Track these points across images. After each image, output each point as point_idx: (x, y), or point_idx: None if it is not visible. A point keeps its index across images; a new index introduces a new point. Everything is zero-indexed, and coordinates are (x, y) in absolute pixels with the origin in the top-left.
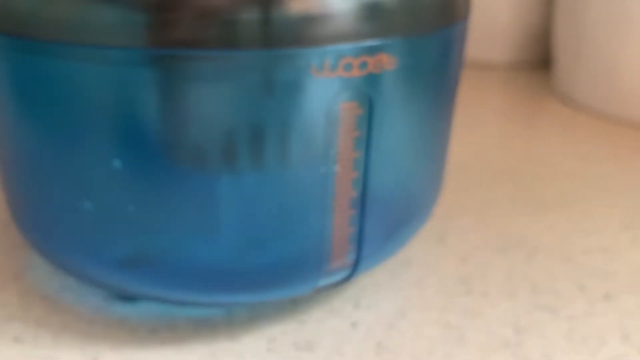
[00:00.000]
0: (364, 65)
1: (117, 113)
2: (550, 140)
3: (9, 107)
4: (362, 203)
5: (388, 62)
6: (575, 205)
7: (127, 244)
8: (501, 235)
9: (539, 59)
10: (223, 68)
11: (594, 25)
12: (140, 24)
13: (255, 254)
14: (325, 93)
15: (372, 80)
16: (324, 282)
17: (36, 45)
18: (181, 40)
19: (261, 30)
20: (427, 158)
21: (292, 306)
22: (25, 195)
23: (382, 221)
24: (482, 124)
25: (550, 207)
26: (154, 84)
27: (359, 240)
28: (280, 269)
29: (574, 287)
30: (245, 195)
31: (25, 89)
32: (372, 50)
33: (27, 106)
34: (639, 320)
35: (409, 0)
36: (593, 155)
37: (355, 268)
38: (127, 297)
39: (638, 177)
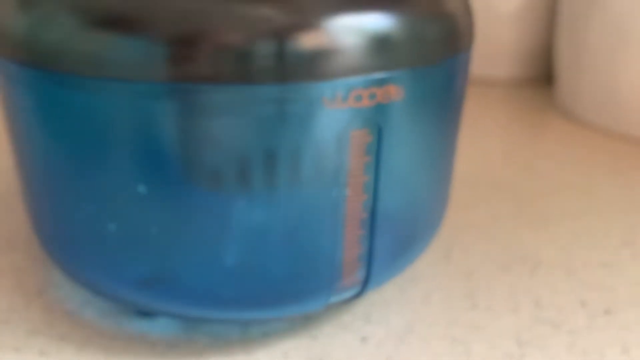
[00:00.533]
0: (373, 96)
1: (140, 142)
2: (552, 156)
3: (37, 135)
4: (371, 223)
5: (395, 93)
6: (577, 220)
7: (147, 263)
8: (505, 251)
9: (542, 76)
10: (239, 101)
11: (595, 43)
12: (160, 60)
13: (270, 272)
14: (336, 122)
15: (380, 110)
16: (335, 298)
17: (63, 78)
18: (199, 75)
19: (275, 65)
20: (433, 180)
21: (304, 322)
22: (50, 217)
23: (390, 240)
24: (485, 139)
25: (552, 222)
26: (173, 115)
27: (369, 259)
28: (293, 287)
29: (575, 301)
30: (260, 217)
31: (52, 119)
32: (380, 82)
33: (55, 134)
34: (639, 335)
35: (414, 34)
36: (595, 170)
37: (365, 285)
38: (147, 313)
39: (639, 193)
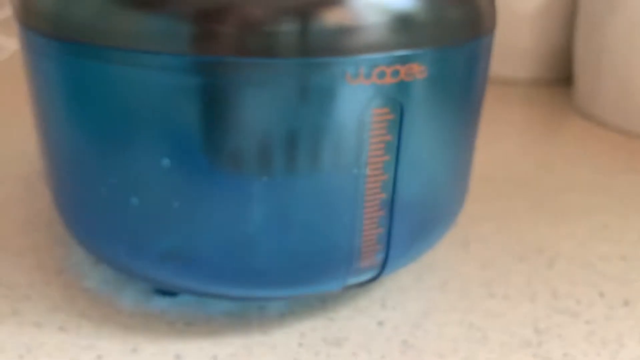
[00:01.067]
0: (396, 73)
1: (165, 115)
2: (570, 154)
3: (63, 108)
4: (391, 205)
5: (419, 71)
6: (594, 215)
7: (168, 239)
8: (522, 243)
9: (561, 77)
10: (263, 75)
11: (613, 45)
12: (188, 34)
13: (289, 251)
14: (359, 99)
15: (403, 88)
16: (353, 280)
17: (93, 50)
18: (225, 49)
19: (300, 40)
20: (453, 165)
21: (321, 305)
22: (73, 193)
23: (409, 223)
24: (505, 137)
25: (569, 217)
26: (199, 88)
27: (388, 241)
28: (311, 266)
29: (593, 292)
30: (281, 195)
31: (80, 92)
32: (404, 60)
33: (82, 107)
34: None
35: (438, 13)
36: (611, 167)
37: (383, 268)
38: (165, 292)
39: None
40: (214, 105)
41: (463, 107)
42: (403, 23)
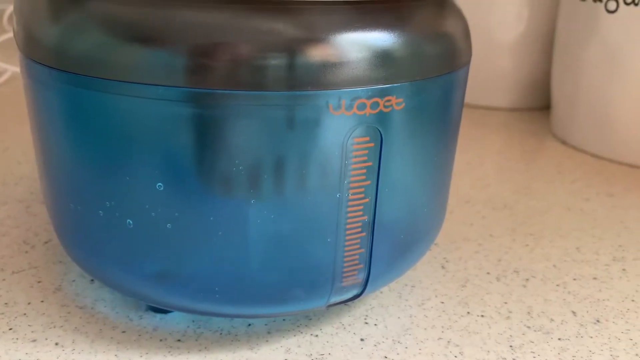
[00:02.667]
0: (375, 105)
1: (160, 142)
2: (547, 178)
3: (63, 134)
4: (372, 226)
5: (396, 103)
6: (568, 237)
7: (162, 259)
8: (499, 264)
9: (540, 105)
10: (252, 106)
11: (589, 75)
12: (181, 68)
13: (275, 270)
14: (341, 129)
15: (382, 118)
16: (336, 298)
17: (93, 81)
18: (216, 82)
19: (286, 75)
20: (431, 188)
21: (306, 321)
22: (71, 214)
23: (390, 244)
24: (485, 161)
25: (544, 239)
26: (192, 118)
27: (369, 261)
28: (297, 285)
29: (566, 311)
30: (268, 217)
31: (80, 119)
32: (382, 93)
33: (81, 134)
34: (626, 343)
35: (415, 50)
36: (586, 191)
37: (365, 286)
38: (158, 309)
39: (627, 213)
40: (206, 134)
41: (439, 134)
42: (382, 59)
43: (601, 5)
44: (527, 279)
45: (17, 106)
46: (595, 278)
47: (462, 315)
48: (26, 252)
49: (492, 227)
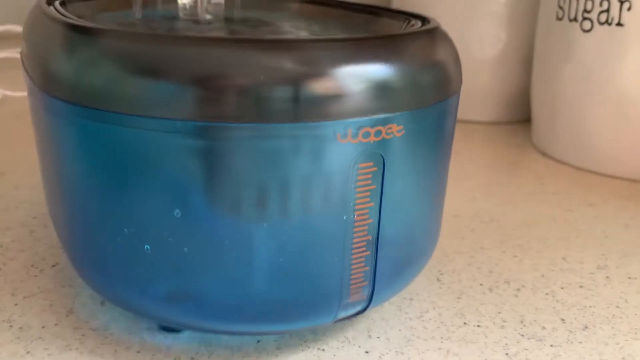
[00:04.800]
0: (378, 132)
1: (173, 172)
2: (531, 190)
3: (79, 165)
4: (376, 245)
5: (397, 130)
6: (554, 248)
7: (176, 281)
8: (490, 275)
9: (521, 118)
10: (259, 138)
11: (566, 90)
12: (189, 101)
13: (284, 290)
14: (347, 156)
15: (384, 144)
16: (343, 313)
17: (107, 115)
18: (222, 115)
19: (295, 107)
20: (428, 205)
21: (313, 336)
22: (86, 240)
23: (392, 260)
24: (471, 175)
25: (532, 250)
26: (202, 148)
27: (373, 277)
28: (305, 303)
29: (556, 318)
30: (278, 240)
31: (97, 151)
32: (385, 122)
33: (98, 165)
34: (613, 347)
35: (412, 81)
36: (569, 202)
37: (369, 301)
38: (170, 328)
39: (607, 222)
40: (217, 163)
41: (435, 156)
42: (383, 91)
43: (577, 25)
44: (518, 289)
45: (8, 130)
46: (581, 286)
47: (459, 326)
48: (35, 275)
49: (481, 239)
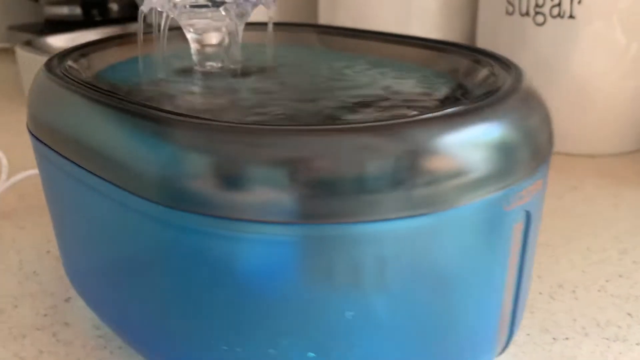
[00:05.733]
0: (529, 193)
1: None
2: None
3: (171, 275)
4: (516, 291)
5: (542, 185)
6: (572, 240)
7: None
8: (541, 280)
9: None
10: (401, 233)
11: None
12: (297, 205)
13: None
14: (509, 220)
15: (532, 201)
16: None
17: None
18: (336, 215)
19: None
20: None
21: None
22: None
23: (523, 302)
24: None
25: (555, 246)
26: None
27: (512, 321)
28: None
29: (623, 315)
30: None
31: (181, 260)
32: (534, 180)
33: (189, 275)
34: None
35: (537, 137)
36: (556, 189)
37: (507, 343)
38: None
39: (599, 205)
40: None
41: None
42: (533, 153)
43: (529, 19)
44: (573, 291)
45: None
46: (620, 275)
47: (550, 343)
48: (50, 324)
49: None
